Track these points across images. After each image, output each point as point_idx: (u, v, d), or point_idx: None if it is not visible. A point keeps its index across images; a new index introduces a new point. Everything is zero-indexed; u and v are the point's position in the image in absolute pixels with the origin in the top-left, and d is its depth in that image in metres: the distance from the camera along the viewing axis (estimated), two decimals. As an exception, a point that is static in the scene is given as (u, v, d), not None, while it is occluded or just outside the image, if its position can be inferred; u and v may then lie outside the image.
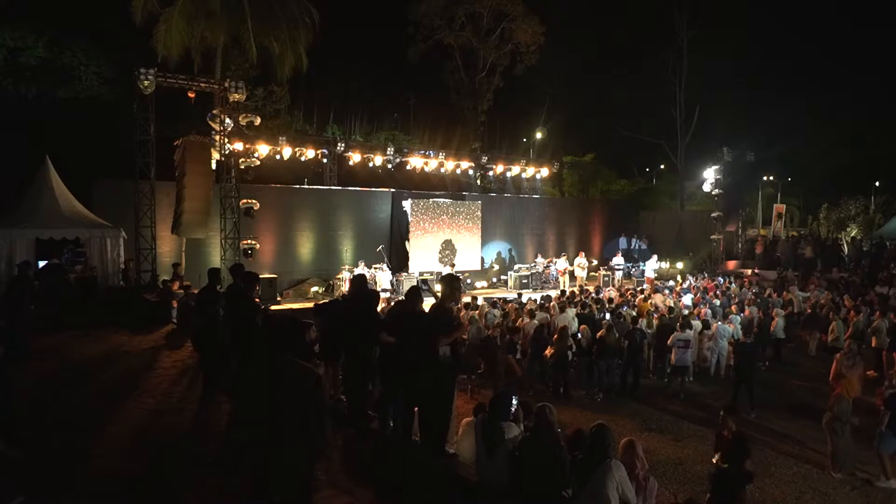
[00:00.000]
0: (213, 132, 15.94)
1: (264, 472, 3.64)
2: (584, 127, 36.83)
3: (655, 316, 12.45)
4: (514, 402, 4.98)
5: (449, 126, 31.58)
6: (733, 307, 14.43)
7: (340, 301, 7.48)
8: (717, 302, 15.13)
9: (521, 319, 12.08)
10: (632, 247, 25.79)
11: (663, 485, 7.02)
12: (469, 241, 21.80)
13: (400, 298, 9.37)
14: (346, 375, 7.13)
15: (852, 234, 30.39)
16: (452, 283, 5.89)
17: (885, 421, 7.14)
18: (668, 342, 10.76)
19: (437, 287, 5.88)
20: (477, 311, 12.63)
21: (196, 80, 15.82)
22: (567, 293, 16.10)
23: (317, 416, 3.65)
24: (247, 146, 17.48)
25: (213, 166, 16.05)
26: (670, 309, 13.25)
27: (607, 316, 12.14)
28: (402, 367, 5.99)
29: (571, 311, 12.77)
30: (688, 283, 19.45)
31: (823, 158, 39.76)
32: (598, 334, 10.64)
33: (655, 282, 20.17)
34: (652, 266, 22.07)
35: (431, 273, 19.48)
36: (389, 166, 21.72)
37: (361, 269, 17.09)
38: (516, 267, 21.36)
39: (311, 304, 15.09)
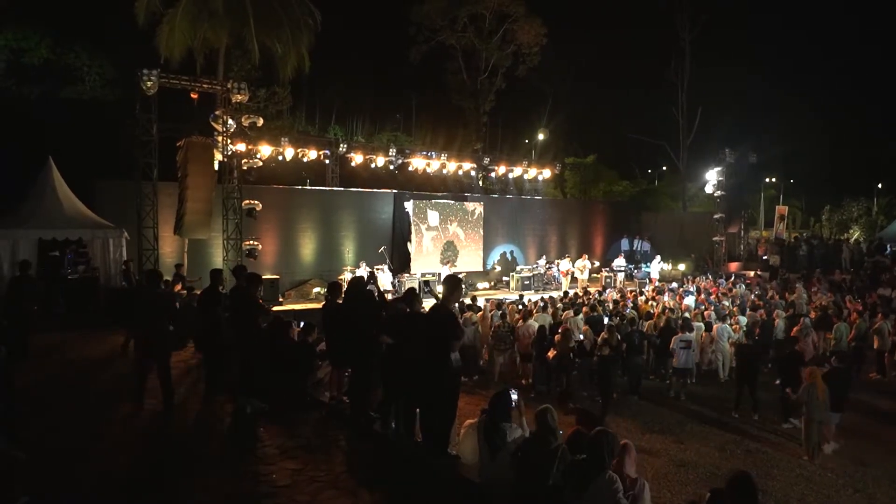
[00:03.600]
0: (216, 133, 15.93)
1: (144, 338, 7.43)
2: (585, 128, 36.84)
3: (654, 314, 12.42)
4: (514, 396, 4.92)
5: (451, 127, 31.59)
6: (735, 308, 14.40)
7: (336, 305, 7.46)
8: (727, 303, 15.10)
9: (520, 321, 12.03)
10: (634, 248, 25.74)
11: (665, 486, 7.02)
12: (471, 242, 21.80)
13: (395, 297, 9.35)
14: (351, 378, 7.13)
15: (854, 236, 30.34)
16: (455, 285, 5.86)
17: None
18: (671, 344, 10.74)
19: (439, 288, 5.86)
20: (480, 313, 12.59)
21: (199, 81, 15.81)
22: (571, 295, 16.09)
23: (165, 314, 7.47)
24: (249, 147, 17.48)
25: (216, 167, 16.04)
26: (671, 310, 13.23)
27: (605, 320, 12.11)
28: (404, 368, 5.98)
29: (578, 314, 12.71)
30: (690, 284, 19.39)
31: (826, 160, 39.71)
32: (601, 336, 10.60)
33: (658, 283, 20.14)
34: (656, 266, 22.04)
35: (433, 274, 19.47)
36: (391, 167, 21.70)
37: (363, 270, 17.08)
38: (518, 268, 21.34)
39: (312, 305, 15.16)
